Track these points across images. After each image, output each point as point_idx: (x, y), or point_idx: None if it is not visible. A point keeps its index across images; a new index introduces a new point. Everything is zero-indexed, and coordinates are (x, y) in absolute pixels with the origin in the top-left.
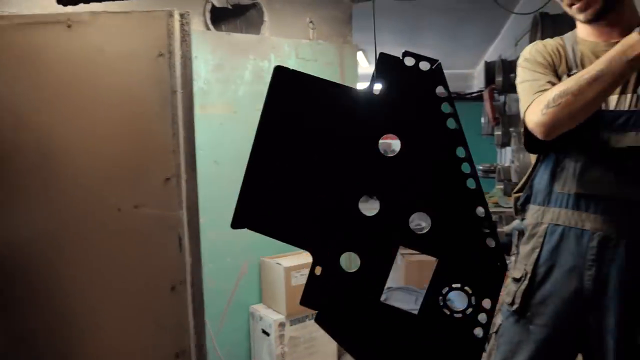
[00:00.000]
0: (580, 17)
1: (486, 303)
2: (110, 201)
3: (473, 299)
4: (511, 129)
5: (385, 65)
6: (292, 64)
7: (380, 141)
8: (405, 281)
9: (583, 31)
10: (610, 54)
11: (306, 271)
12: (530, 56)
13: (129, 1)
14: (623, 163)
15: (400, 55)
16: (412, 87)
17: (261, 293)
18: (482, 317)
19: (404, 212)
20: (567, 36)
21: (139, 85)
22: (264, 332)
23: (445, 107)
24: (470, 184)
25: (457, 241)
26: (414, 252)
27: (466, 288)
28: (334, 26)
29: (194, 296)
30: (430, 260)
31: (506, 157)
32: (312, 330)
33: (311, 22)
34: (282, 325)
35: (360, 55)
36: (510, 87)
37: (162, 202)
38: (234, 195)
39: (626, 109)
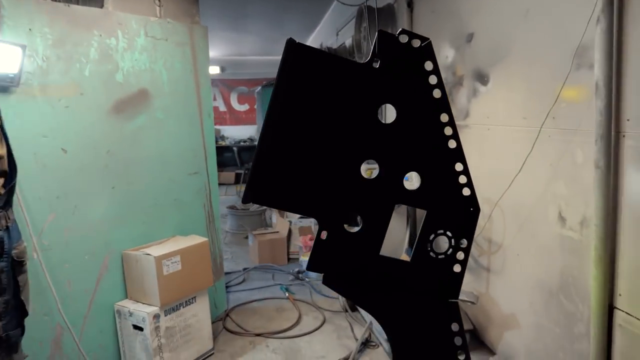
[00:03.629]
0: None
1: (463, 243)
2: None
3: (453, 241)
4: None
5: (383, 41)
6: (141, 42)
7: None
8: (260, 260)
9: None
10: None
11: (176, 258)
12: None
13: None
14: None
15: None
16: (405, 62)
17: (125, 288)
18: (460, 255)
19: (399, 173)
20: None
21: None
22: (136, 327)
23: (432, 79)
24: (451, 144)
25: (441, 194)
26: (264, 232)
27: (448, 233)
28: (181, 5)
29: None
30: (278, 238)
31: None
32: (186, 317)
33: None
34: (156, 317)
35: None
36: None
37: None
38: (87, 186)
39: None
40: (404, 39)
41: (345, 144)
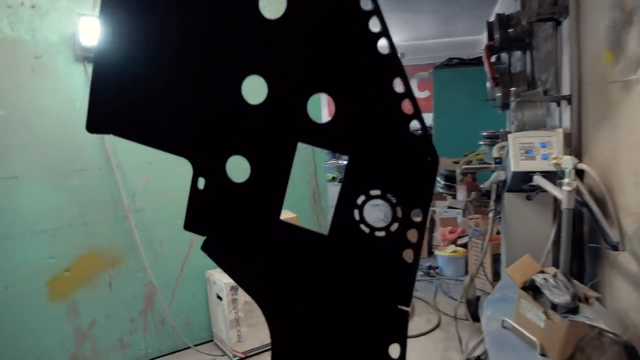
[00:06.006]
0: None
1: (416, 215)
2: None
3: (399, 210)
4: (512, 89)
5: None
6: None
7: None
8: None
9: None
10: None
11: None
12: None
13: None
14: None
15: None
16: None
17: None
18: (411, 235)
19: (299, 96)
20: None
21: None
22: (218, 296)
23: None
24: (382, 47)
25: (371, 128)
26: None
27: (388, 196)
28: None
29: None
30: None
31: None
32: None
33: None
34: (234, 289)
35: None
36: (509, 42)
37: None
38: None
39: None
40: None
41: (214, 50)
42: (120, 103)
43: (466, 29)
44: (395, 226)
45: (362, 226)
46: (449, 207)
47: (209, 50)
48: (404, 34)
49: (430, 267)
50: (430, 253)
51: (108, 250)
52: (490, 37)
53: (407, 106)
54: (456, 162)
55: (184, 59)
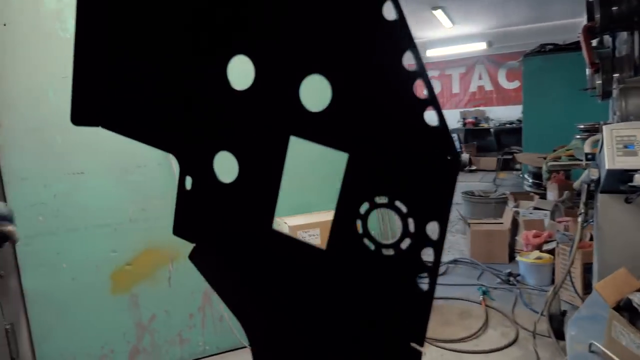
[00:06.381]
0: None
1: (432, 230)
2: None
3: (411, 222)
4: (615, 75)
5: None
6: None
7: None
8: (472, 254)
9: None
10: None
11: (314, 231)
12: None
13: None
14: None
15: None
16: None
17: None
18: (427, 254)
19: (289, 76)
20: None
21: None
22: None
23: None
24: (390, 13)
25: (376, 119)
26: (483, 221)
27: (397, 204)
28: None
29: None
30: (497, 230)
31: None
32: None
33: None
34: None
35: (440, 14)
36: (613, 22)
37: None
38: None
39: None
40: None
41: (191, 28)
42: (102, 93)
43: (561, 11)
44: (406, 242)
45: (366, 241)
46: (535, 208)
47: (191, 28)
48: (491, 20)
49: (510, 274)
50: (512, 258)
51: (168, 245)
52: (590, 17)
53: (420, 89)
54: (543, 158)
55: (163, 39)
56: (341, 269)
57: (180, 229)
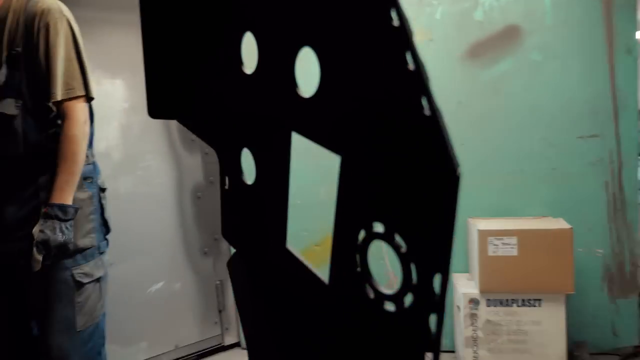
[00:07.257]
0: None
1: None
2: None
3: (413, 268)
4: None
5: None
6: None
7: None
8: None
9: None
10: None
11: (510, 240)
12: None
13: None
14: None
15: None
16: None
17: (467, 260)
18: (432, 304)
19: (284, 53)
20: None
21: None
22: (457, 306)
23: None
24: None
25: (370, 118)
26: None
27: (397, 239)
28: None
29: None
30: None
31: None
32: (521, 320)
33: None
34: (473, 302)
35: None
36: None
37: None
38: None
39: None
40: None
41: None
42: (168, 87)
43: None
44: (409, 299)
45: (367, 286)
46: None
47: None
48: None
49: None
50: None
51: None
52: None
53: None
54: None
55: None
56: (341, 311)
57: (225, 231)
